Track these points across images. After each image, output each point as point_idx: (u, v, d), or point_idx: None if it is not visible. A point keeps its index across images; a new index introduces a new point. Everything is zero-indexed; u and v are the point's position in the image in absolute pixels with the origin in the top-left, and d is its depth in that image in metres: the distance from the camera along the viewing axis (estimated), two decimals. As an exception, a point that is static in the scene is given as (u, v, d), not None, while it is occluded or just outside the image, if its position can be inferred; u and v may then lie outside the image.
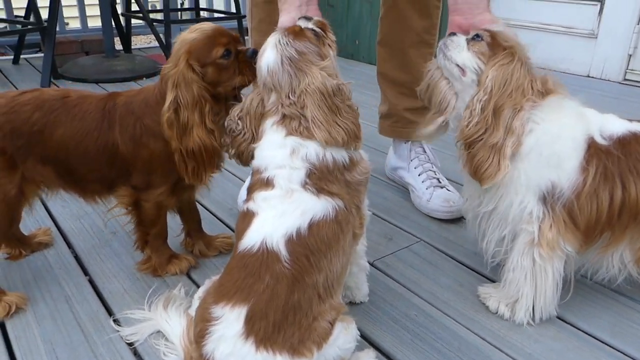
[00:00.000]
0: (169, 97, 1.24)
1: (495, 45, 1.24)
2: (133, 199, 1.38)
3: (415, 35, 1.84)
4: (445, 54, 1.29)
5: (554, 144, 1.21)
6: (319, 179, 1.06)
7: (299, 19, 1.22)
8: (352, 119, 1.11)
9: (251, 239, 1.03)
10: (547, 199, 1.22)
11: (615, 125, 1.24)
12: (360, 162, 1.14)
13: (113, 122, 1.31)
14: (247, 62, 1.28)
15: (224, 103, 1.32)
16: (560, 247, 1.23)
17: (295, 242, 1.01)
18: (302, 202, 1.04)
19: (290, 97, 1.09)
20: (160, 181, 1.35)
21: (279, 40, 1.11)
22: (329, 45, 1.17)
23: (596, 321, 1.34)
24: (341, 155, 1.10)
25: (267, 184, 1.07)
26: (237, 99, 1.31)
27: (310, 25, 1.18)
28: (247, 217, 1.06)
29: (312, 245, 1.01)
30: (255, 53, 1.23)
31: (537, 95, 1.21)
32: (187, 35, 1.27)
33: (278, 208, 1.04)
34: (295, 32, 1.12)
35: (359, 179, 1.13)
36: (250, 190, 1.11)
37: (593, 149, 1.20)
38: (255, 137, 1.16)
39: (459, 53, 1.27)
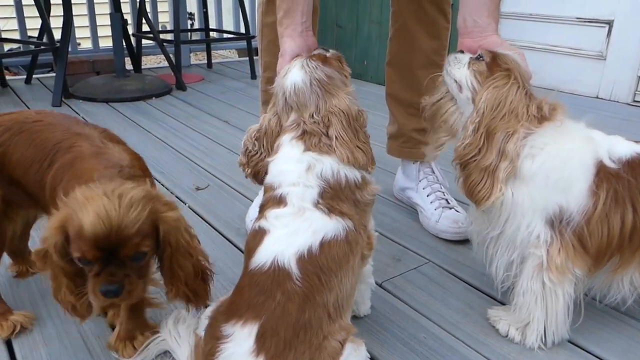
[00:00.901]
0: (47, 233, 1.01)
1: (493, 66, 1.24)
2: None
3: (424, 56, 1.85)
4: (446, 69, 1.32)
5: (562, 167, 1.20)
6: (331, 197, 1.07)
7: (317, 49, 1.27)
8: (368, 143, 1.17)
9: (263, 256, 1.03)
10: (555, 223, 1.20)
11: (623, 148, 1.24)
12: (370, 183, 1.17)
13: (54, 162, 1.18)
14: (98, 289, 0.99)
15: None
16: (570, 270, 1.21)
17: (307, 260, 1.01)
18: (313, 221, 1.05)
19: (315, 116, 1.13)
20: None
21: (307, 63, 1.17)
22: (345, 76, 1.23)
23: (609, 346, 1.32)
24: (354, 174, 1.12)
25: (280, 201, 1.08)
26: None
27: (329, 55, 1.23)
28: (258, 235, 1.07)
29: (323, 264, 1.02)
30: (109, 293, 0.98)
31: (532, 121, 1.20)
32: (78, 205, 0.97)
33: (290, 226, 1.05)
34: (322, 59, 1.19)
35: (368, 198, 1.15)
36: (263, 209, 1.11)
37: (602, 173, 1.19)
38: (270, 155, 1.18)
39: (458, 69, 1.30)
